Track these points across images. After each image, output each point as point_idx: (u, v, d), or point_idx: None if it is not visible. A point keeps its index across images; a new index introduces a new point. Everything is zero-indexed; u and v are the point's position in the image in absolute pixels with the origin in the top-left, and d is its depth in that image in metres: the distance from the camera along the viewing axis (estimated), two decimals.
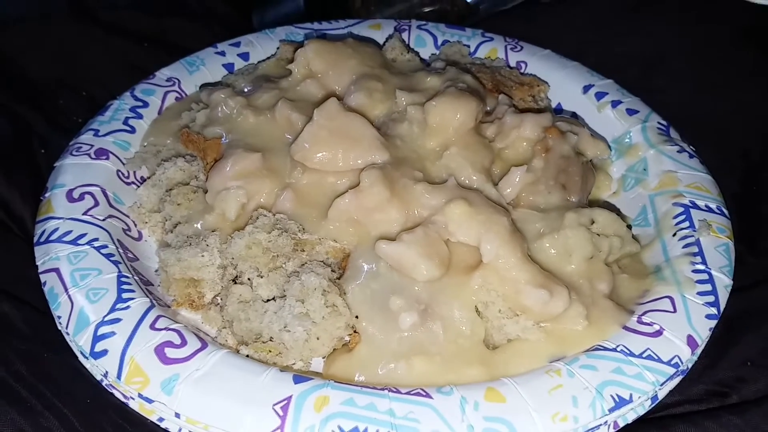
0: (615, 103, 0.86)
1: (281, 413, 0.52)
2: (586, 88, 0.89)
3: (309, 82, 0.78)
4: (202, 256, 0.64)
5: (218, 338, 0.63)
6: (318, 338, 0.59)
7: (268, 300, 0.63)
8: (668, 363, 0.58)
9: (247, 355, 0.60)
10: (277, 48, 0.91)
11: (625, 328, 0.61)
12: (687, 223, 0.71)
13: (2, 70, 0.90)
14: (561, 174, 0.70)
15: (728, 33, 1.00)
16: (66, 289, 0.60)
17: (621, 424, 0.56)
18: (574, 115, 0.88)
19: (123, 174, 0.75)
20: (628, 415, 0.57)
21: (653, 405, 0.58)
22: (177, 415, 0.53)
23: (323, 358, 0.62)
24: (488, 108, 0.78)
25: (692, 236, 0.69)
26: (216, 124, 0.75)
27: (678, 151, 0.79)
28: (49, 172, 0.73)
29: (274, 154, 0.71)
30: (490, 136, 0.73)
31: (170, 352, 0.55)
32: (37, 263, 0.63)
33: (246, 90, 0.81)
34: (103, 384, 0.57)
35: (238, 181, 0.68)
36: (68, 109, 0.90)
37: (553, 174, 0.70)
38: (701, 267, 0.66)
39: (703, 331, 0.61)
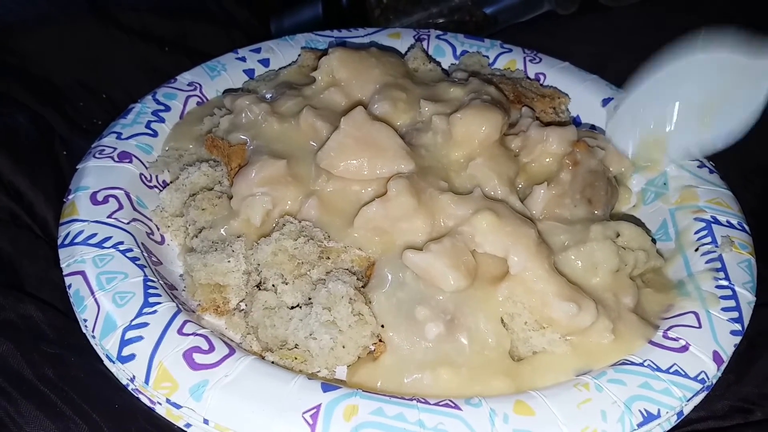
0: None
1: (311, 421, 0.52)
2: (606, 101, 0.89)
3: (333, 90, 0.78)
4: (228, 261, 0.64)
5: (243, 344, 0.63)
6: (344, 347, 0.59)
7: (292, 307, 0.62)
8: (695, 378, 0.58)
9: (273, 362, 0.60)
10: (298, 55, 0.91)
11: (651, 342, 0.61)
12: (709, 239, 0.71)
13: (24, 72, 0.90)
14: (587, 188, 0.70)
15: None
16: (92, 293, 0.60)
17: None
18: (593, 127, 0.89)
19: (146, 177, 0.75)
20: (655, 430, 0.56)
21: (679, 420, 0.58)
22: (205, 422, 0.53)
23: (347, 366, 0.62)
24: (511, 120, 0.78)
25: (715, 252, 0.70)
26: (240, 130, 0.75)
27: (698, 166, 0.80)
28: (72, 174, 0.73)
29: (299, 161, 0.71)
30: (514, 149, 0.74)
31: (198, 358, 0.55)
32: (62, 265, 0.63)
33: (268, 96, 0.81)
34: (129, 389, 0.57)
35: (264, 187, 0.68)
36: (88, 111, 0.90)
37: (580, 188, 0.70)
38: (724, 283, 0.66)
39: (728, 347, 0.61)
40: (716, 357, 0.60)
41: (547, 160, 0.72)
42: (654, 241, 0.72)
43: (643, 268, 0.68)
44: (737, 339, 0.62)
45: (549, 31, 1.09)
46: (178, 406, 0.54)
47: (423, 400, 0.55)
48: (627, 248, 0.66)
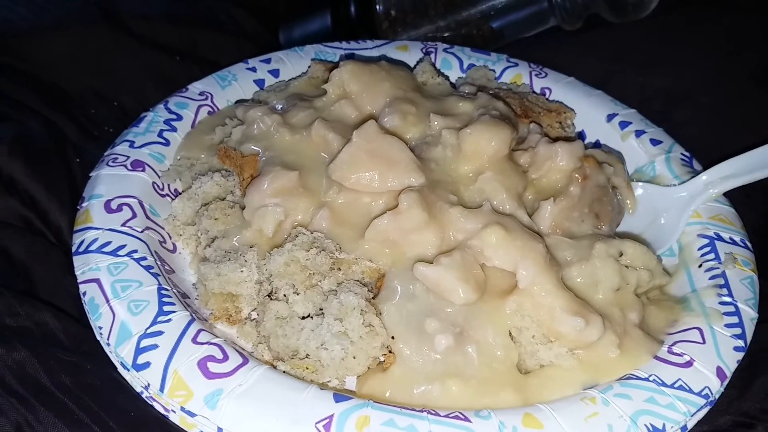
0: (639, 133, 0.87)
1: (323, 431, 0.53)
2: (610, 117, 0.90)
3: (343, 102, 0.79)
4: (241, 271, 0.65)
5: (254, 353, 0.64)
6: (354, 357, 0.60)
7: (304, 317, 0.63)
8: (699, 394, 0.59)
9: (284, 371, 0.61)
10: (308, 66, 0.92)
11: (656, 357, 0.62)
12: (712, 255, 0.72)
13: (36, 79, 0.91)
14: (595, 202, 0.71)
15: (753, 68, 1.02)
16: (107, 300, 0.61)
17: None
18: (596, 144, 0.90)
19: (158, 186, 0.75)
20: None
21: None
22: (220, 430, 0.54)
23: (356, 376, 0.63)
24: (519, 135, 0.80)
25: (718, 268, 0.71)
26: (252, 141, 0.76)
27: None
28: (85, 182, 0.73)
29: (311, 173, 0.72)
30: (523, 165, 0.75)
31: (213, 367, 0.56)
32: (76, 273, 0.64)
33: (278, 107, 0.82)
34: (144, 396, 0.58)
35: (276, 198, 0.69)
36: (100, 118, 0.91)
37: (588, 202, 0.71)
38: (728, 299, 0.67)
39: (732, 363, 0.62)
40: (720, 372, 0.61)
41: (557, 176, 0.73)
42: (660, 259, 0.73)
43: (646, 287, 0.69)
44: (740, 355, 0.63)
45: (554, 46, 1.10)
46: (192, 414, 0.54)
47: (433, 412, 0.56)
48: (630, 267, 0.67)
